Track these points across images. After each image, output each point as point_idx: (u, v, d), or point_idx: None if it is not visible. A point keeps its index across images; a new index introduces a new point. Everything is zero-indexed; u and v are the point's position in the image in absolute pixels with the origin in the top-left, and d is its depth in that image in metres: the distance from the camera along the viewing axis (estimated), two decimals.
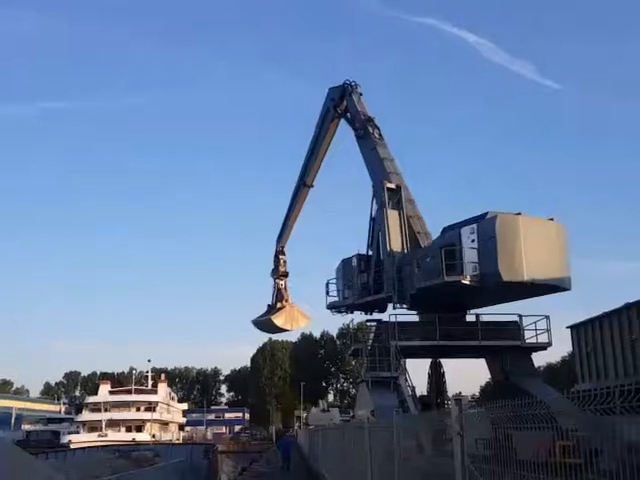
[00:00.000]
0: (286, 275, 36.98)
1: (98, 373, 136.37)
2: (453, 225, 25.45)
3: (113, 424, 67.92)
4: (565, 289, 25.22)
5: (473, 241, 24.04)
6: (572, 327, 31.36)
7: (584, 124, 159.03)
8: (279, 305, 36.19)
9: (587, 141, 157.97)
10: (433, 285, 24.68)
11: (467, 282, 23.68)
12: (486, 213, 24.62)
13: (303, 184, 35.26)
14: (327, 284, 30.77)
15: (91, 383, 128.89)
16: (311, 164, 34.81)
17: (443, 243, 25.15)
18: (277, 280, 36.78)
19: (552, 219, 25.06)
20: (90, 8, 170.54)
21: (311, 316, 35.01)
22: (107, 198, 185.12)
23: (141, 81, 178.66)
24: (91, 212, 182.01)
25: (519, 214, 24.20)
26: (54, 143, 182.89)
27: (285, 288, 36.83)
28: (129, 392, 77.89)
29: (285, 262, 37.11)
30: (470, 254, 23.97)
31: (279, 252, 37.11)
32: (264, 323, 37.04)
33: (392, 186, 28.51)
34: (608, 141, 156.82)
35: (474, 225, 24.31)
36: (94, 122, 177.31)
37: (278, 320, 35.75)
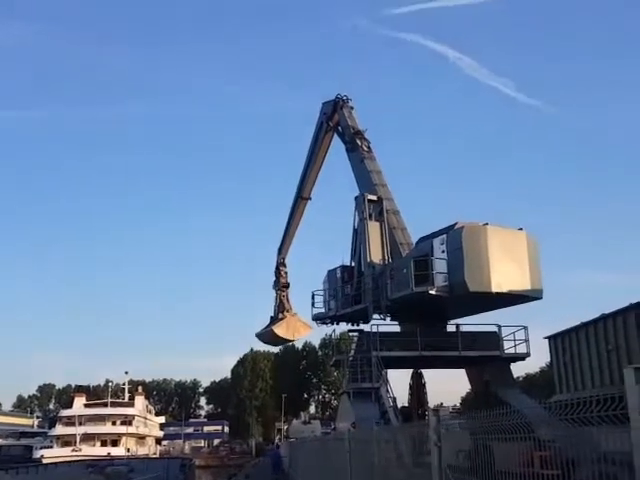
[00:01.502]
0: (287, 286, 37.50)
1: (73, 386, 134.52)
2: (427, 236, 25.74)
3: (88, 438, 66.76)
4: (536, 299, 25.40)
5: (443, 252, 24.25)
6: (550, 337, 31.65)
7: (565, 140, 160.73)
8: (281, 316, 36.62)
9: (568, 155, 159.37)
10: (404, 296, 24.93)
11: (434, 292, 23.87)
12: (455, 223, 24.87)
13: (300, 197, 35.73)
14: (313, 295, 30.99)
15: (66, 396, 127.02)
16: (308, 177, 35.39)
17: (417, 254, 25.48)
18: (278, 291, 37.26)
19: (521, 229, 25.26)
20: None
21: (312, 326, 35.14)
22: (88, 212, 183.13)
23: (131, 91, 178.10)
24: (67, 221, 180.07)
25: (486, 224, 24.42)
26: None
27: (287, 299, 37.30)
28: (105, 405, 76.64)
29: (286, 273, 37.65)
30: (440, 265, 24.17)
31: (280, 264, 37.66)
32: (266, 334, 37.53)
33: (374, 198, 28.79)
34: (591, 154, 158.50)
35: (444, 236, 24.55)
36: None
37: (279, 330, 36.15)
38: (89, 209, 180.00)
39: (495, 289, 23.46)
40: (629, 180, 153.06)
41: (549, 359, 33.79)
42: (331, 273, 30.24)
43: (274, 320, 36.94)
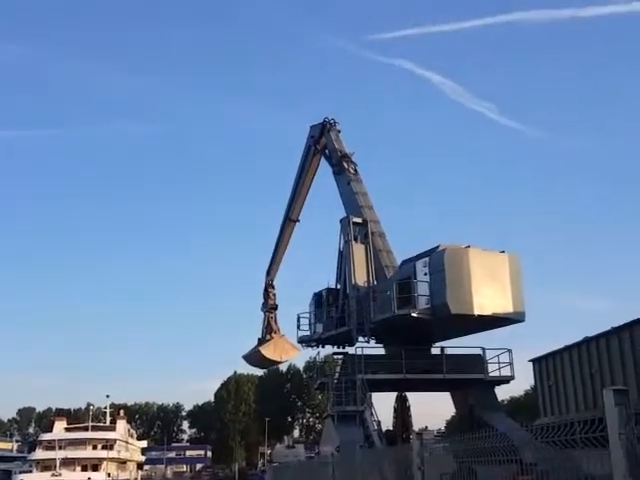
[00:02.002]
0: (275, 308, 37.41)
1: (54, 409, 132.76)
2: (410, 258, 25.87)
3: (68, 463, 65.67)
4: (518, 321, 25.51)
5: (426, 274, 24.36)
6: (534, 360, 31.74)
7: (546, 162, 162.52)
8: (268, 337, 36.47)
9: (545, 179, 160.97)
10: (387, 318, 24.99)
11: (416, 315, 23.94)
12: (438, 246, 25.01)
13: (289, 219, 35.92)
14: (298, 318, 31.02)
15: (46, 420, 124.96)
16: (296, 199, 35.52)
17: (400, 276, 25.62)
18: (267, 313, 37.16)
19: (503, 251, 25.42)
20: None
21: (300, 347, 35.03)
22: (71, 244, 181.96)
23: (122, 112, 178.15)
24: (51, 239, 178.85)
25: (468, 247, 24.58)
26: None
27: (275, 321, 37.20)
28: (86, 429, 75.46)
29: (275, 295, 37.59)
30: (422, 287, 24.27)
31: (268, 285, 37.56)
32: (253, 356, 37.31)
33: (358, 220, 28.92)
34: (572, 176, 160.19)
35: (426, 258, 24.68)
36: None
37: (267, 351, 35.97)
38: (70, 229, 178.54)
39: (477, 311, 23.55)
40: (614, 201, 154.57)
41: (534, 382, 33.82)
42: (317, 295, 30.34)
43: (261, 342, 36.81)
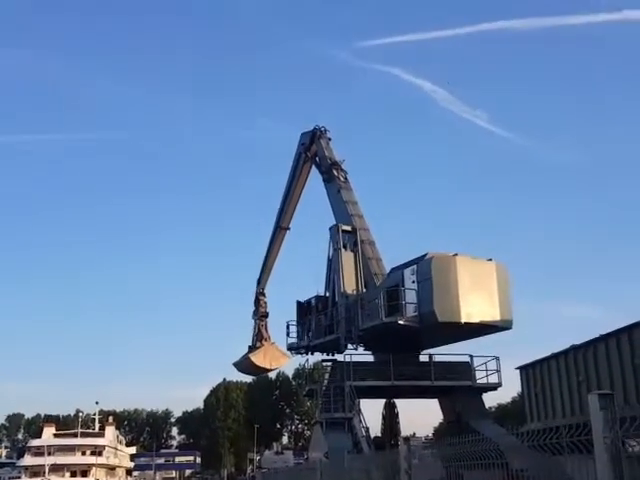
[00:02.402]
0: (266, 316, 37.66)
1: (42, 415, 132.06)
2: (399, 266, 26.01)
3: (57, 469, 65.47)
4: (505, 329, 25.69)
5: (413, 282, 24.50)
6: (521, 368, 31.91)
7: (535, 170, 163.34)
8: (259, 345, 36.68)
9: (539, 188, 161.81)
10: (375, 326, 25.14)
11: (403, 322, 24.10)
12: (426, 254, 25.17)
13: (280, 227, 36.07)
14: (287, 325, 31.21)
15: (35, 426, 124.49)
16: (286, 207, 35.68)
17: (388, 284, 25.75)
18: (257, 321, 37.37)
19: (491, 259, 25.61)
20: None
21: (290, 355, 35.13)
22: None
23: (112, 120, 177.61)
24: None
25: (456, 254, 24.74)
26: None
27: (265, 328, 37.42)
28: (75, 435, 75.31)
29: (266, 303, 37.82)
30: (410, 295, 24.42)
31: (259, 294, 37.79)
32: (243, 363, 37.48)
33: (348, 228, 29.09)
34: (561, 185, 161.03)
35: (414, 266, 24.82)
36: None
37: (257, 359, 36.15)
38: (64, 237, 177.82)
39: (464, 319, 23.73)
40: (602, 211, 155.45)
41: (521, 389, 34.01)
42: (304, 303, 30.59)
43: (252, 349, 36.96)
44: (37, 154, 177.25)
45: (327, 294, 29.52)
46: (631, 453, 5.41)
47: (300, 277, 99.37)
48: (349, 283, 27.98)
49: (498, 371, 27.11)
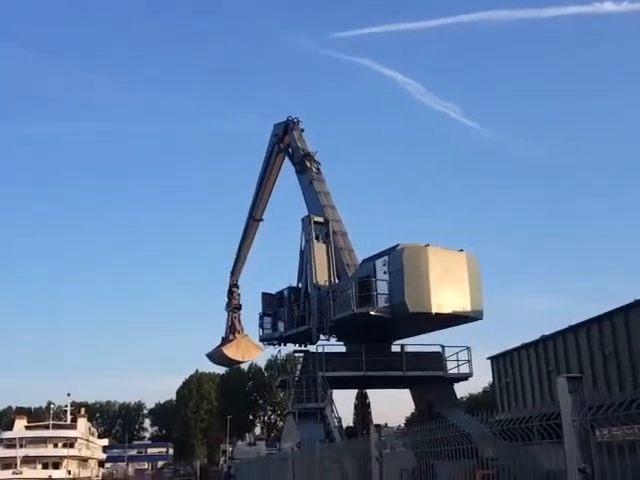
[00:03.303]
0: (239, 308, 37.78)
1: (14, 408, 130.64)
2: (371, 257, 26.11)
3: (29, 461, 65.37)
4: (476, 319, 25.93)
5: (385, 273, 24.61)
6: (492, 358, 32.25)
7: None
8: (231, 337, 36.73)
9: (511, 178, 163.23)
10: (346, 317, 25.24)
11: (374, 313, 24.22)
12: (397, 245, 25.29)
13: (253, 218, 35.94)
14: (260, 316, 31.17)
15: (6, 418, 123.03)
16: (260, 198, 35.67)
17: (360, 275, 25.84)
18: (230, 313, 37.44)
19: (462, 250, 25.79)
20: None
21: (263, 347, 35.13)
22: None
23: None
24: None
25: (427, 245, 24.90)
26: None
27: (238, 321, 37.51)
28: (47, 427, 74.98)
29: (239, 295, 37.93)
30: (382, 286, 24.53)
31: (232, 285, 37.89)
32: (216, 355, 37.55)
33: (320, 219, 29.16)
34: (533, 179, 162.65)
35: (386, 257, 24.94)
36: None
37: (229, 351, 36.28)
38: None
39: (435, 310, 23.90)
40: (570, 203, 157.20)
41: (492, 379, 34.37)
42: (276, 295, 30.61)
43: (225, 341, 37.00)
44: None
45: (300, 285, 29.56)
46: (601, 440, 5.41)
47: (274, 268, 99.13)
48: (321, 274, 28.07)
49: (469, 361, 27.38)
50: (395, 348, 28.10)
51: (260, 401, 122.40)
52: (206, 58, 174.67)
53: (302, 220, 29.46)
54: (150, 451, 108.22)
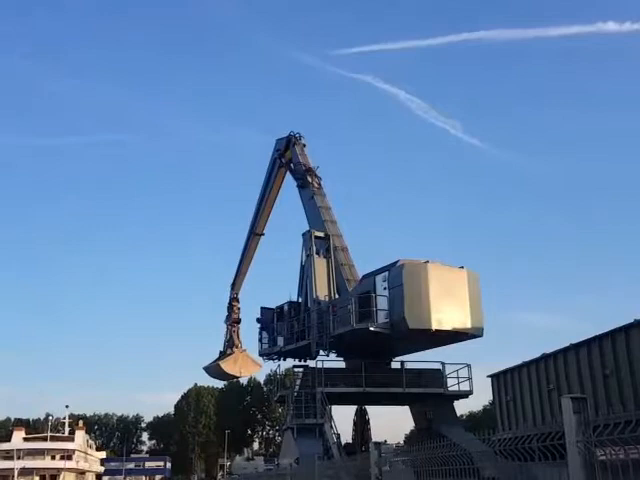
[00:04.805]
0: (239, 322, 37.49)
1: (12, 419, 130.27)
2: (371, 273, 26.07)
3: (26, 473, 65.02)
4: (476, 336, 25.82)
5: (385, 289, 24.59)
6: (492, 376, 32.10)
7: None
8: (229, 351, 36.48)
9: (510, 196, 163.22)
10: (346, 332, 25.15)
11: (374, 329, 24.15)
12: (397, 261, 25.24)
13: (254, 233, 36.01)
14: (260, 331, 31.07)
15: (4, 429, 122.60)
16: (261, 213, 35.67)
17: (360, 291, 25.80)
18: (229, 327, 37.23)
19: (462, 267, 25.73)
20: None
21: (262, 363, 34.95)
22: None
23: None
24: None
25: (427, 262, 24.85)
26: None
27: (237, 335, 37.25)
28: (44, 439, 74.76)
29: (239, 309, 37.67)
30: (381, 302, 24.50)
31: (233, 299, 37.65)
32: (212, 368, 37.27)
33: (321, 234, 29.14)
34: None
35: (386, 273, 24.90)
36: None
37: (226, 365, 36.02)
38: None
39: (435, 326, 23.81)
40: (569, 222, 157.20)
41: (492, 397, 34.21)
42: (276, 309, 30.50)
43: (222, 355, 36.76)
44: None
45: (300, 300, 29.49)
46: (605, 460, 5.33)
47: (275, 283, 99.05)
48: (321, 289, 28.01)
49: (469, 379, 27.26)
50: (395, 365, 28.04)
51: (259, 416, 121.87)
52: (206, 73, 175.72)
53: (303, 235, 29.44)
54: (148, 465, 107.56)
